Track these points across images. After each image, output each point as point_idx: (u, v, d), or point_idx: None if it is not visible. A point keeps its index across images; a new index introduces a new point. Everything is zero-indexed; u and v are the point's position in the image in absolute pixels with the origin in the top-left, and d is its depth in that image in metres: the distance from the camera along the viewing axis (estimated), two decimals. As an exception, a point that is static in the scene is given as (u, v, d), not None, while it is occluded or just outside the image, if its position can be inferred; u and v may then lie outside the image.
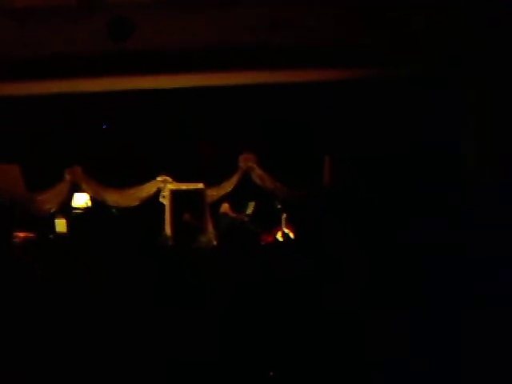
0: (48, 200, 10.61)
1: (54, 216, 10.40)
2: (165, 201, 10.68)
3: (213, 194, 10.90)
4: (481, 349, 3.06)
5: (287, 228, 9.98)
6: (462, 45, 8.22)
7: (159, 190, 10.82)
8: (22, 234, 9.00)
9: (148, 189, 10.86)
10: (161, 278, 3.98)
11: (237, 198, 10.88)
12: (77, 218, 10.33)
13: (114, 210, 10.67)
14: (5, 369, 3.01)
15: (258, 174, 11.03)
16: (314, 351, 3.16)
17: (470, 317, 3.26)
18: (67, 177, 10.68)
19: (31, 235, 9.17)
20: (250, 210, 10.78)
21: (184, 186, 10.68)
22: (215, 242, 9.71)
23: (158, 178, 10.80)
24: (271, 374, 3.12)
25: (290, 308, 3.37)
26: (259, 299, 3.38)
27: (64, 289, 3.86)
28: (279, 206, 10.63)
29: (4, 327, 3.37)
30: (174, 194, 10.61)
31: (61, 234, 9.90)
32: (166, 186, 10.73)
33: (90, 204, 10.68)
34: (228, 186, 10.99)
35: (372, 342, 3.19)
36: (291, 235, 9.81)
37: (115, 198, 10.80)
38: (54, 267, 4.52)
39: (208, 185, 10.77)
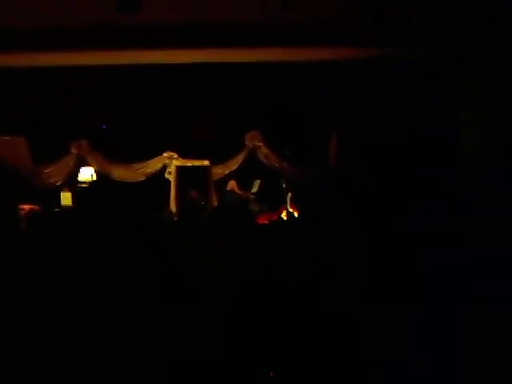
0: (54, 173, 10.64)
1: (59, 189, 10.44)
2: (170, 177, 10.70)
3: (218, 171, 10.91)
4: (481, 347, 3.06)
5: (292, 207, 9.97)
6: (461, 33, 8.15)
7: (165, 166, 10.84)
8: (27, 207, 9.03)
9: (154, 164, 10.88)
10: (163, 257, 3.98)
11: (244, 176, 10.89)
12: (82, 192, 10.37)
13: None
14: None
15: (263, 153, 11.02)
16: (314, 349, 3.17)
17: (470, 312, 3.25)
18: (73, 150, 10.70)
19: (36, 208, 9.21)
20: (255, 189, 10.80)
21: (190, 163, 10.69)
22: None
23: (164, 154, 10.81)
24: (271, 374, 3.13)
25: (287, 305, 3.37)
26: (254, 292, 3.38)
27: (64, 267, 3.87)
28: (285, 185, 10.63)
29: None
30: (180, 170, 10.62)
31: (66, 208, 9.94)
32: (171, 163, 10.75)
33: (95, 178, 10.70)
34: (234, 164, 10.99)
35: (369, 338, 3.19)
36: (296, 214, 9.81)
37: (121, 173, 10.82)
38: (57, 242, 4.52)
39: (214, 162, 10.76)
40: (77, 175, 10.68)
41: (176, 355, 3.05)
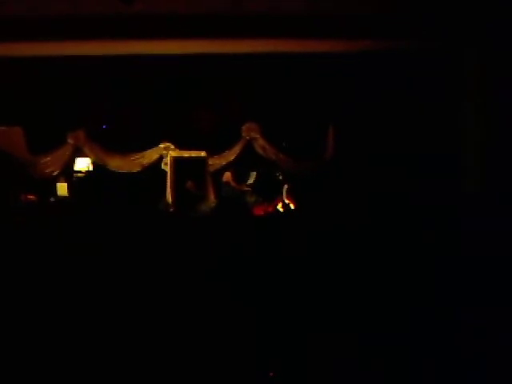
0: (50, 163, 10.63)
1: (55, 179, 10.42)
2: (167, 168, 10.69)
3: (215, 162, 10.90)
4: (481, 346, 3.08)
5: (288, 199, 9.98)
6: (461, 32, 8.18)
7: (161, 157, 10.82)
8: (23, 197, 9.04)
9: (150, 155, 10.86)
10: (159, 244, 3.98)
11: (240, 168, 10.87)
12: (78, 182, 10.36)
13: None
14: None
15: (260, 145, 11.01)
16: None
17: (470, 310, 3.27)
18: (70, 141, 10.67)
19: (33, 198, 9.21)
20: (251, 180, 10.79)
21: (186, 154, 10.67)
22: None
23: (161, 145, 10.79)
24: (271, 374, 3.14)
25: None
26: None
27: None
28: (281, 177, 10.63)
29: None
30: (176, 161, 10.60)
31: (62, 198, 9.94)
32: (168, 153, 10.73)
33: (91, 168, 10.68)
34: (230, 156, 10.99)
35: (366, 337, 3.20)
36: (292, 206, 9.82)
37: (117, 163, 10.81)
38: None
39: (210, 153, 10.76)
40: (73, 165, 10.66)
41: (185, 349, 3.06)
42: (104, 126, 10.89)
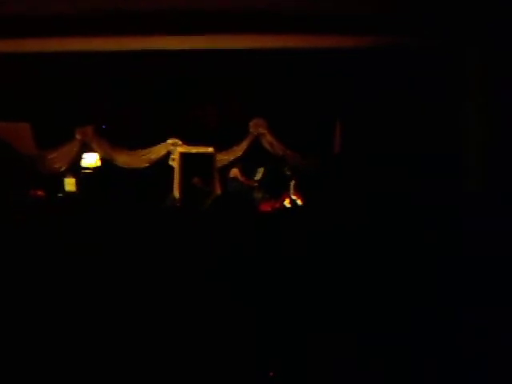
0: (58, 159, 10.69)
1: (63, 175, 10.48)
2: (174, 163, 10.72)
3: (222, 158, 10.92)
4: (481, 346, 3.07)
5: (295, 195, 9.98)
6: (462, 31, 8.16)
7: (169, 153, 10.85)
8: (32, 193, 9.09)
9: (158, 151, 10.90)
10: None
11: (248, 164, 10.88)
12: (86, 178, 10.40)
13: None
14: None
15: (268, 140, 11.01)
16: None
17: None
18: (78, 136, 10.73)
19: (40, 193, 9.26)
20: (258, 176, 10.79)
21: (194, 150, 10.70)
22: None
23: (169, 141, 10.83)
24: (271, 374, 3.14)
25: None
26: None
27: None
28: (288, 173, 10.63)
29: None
30: (184, 157, 10.63)
31: (70, 193, 9.99)
32: (175, 149, 10.76)
33: (99, 164, 10.72)
34: (238, 151, 11.00)
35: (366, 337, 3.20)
36: (299, 202, 9.81)
37: (125, 159, 10.85)
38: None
39: (218, 149, 10.78)
40: (81, 161, 10.71)
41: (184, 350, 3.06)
42: (103, 126, 10.90)
